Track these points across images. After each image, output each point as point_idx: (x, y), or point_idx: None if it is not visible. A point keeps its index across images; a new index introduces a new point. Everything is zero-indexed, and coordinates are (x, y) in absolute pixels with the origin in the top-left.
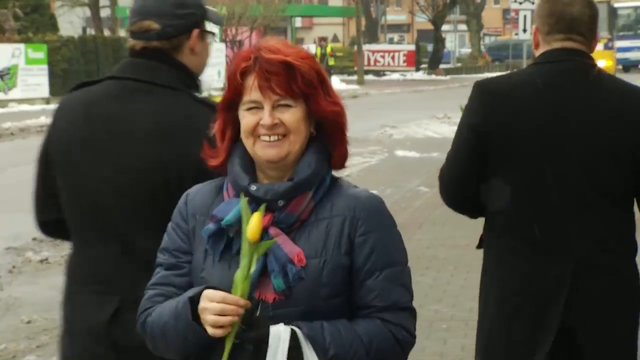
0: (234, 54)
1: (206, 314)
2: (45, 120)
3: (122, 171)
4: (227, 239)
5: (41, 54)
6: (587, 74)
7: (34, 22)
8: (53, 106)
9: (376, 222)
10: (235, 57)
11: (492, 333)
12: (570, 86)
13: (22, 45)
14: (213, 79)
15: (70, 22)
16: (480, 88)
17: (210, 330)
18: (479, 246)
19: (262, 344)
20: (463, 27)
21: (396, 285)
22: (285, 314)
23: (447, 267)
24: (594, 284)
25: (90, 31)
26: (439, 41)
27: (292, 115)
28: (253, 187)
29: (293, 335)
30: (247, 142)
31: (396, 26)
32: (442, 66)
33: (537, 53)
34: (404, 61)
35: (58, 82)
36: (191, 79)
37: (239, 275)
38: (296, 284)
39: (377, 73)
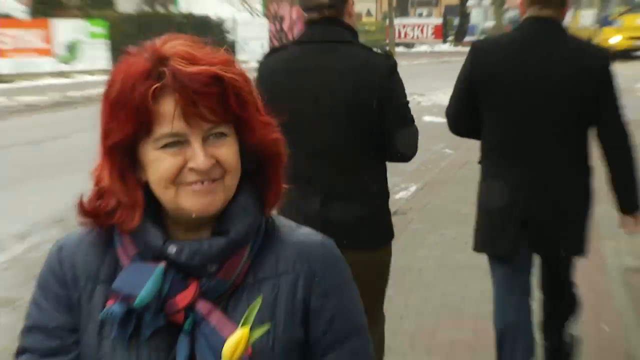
0: (114, 67)
1: None
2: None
3: (321, 100)
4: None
5: (102, 29)
6: (551, 36)
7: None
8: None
9: (337, 278)
10: (124, 72)
11: (481, 223)
12: (536, 46)
13: (83, 21)
14: (257, 52)
15: None
16: (472, 48)
17: None
18: (479, 162)
19: None
20: (488, 2)
21: None
22: None
23: (469, 221)
24: (549, 191)
25: (145, 8)
26: (465, 15)
27: (228, 150)
28: (172, 249)
29: None
30: (165, 192)
31: (425, 1)
32: (467, 39)
33: (521, 19)
34: (432, 34)
35: (117, 56)
36: (357, 36)
37: None
38: None
39: (407, 45)
